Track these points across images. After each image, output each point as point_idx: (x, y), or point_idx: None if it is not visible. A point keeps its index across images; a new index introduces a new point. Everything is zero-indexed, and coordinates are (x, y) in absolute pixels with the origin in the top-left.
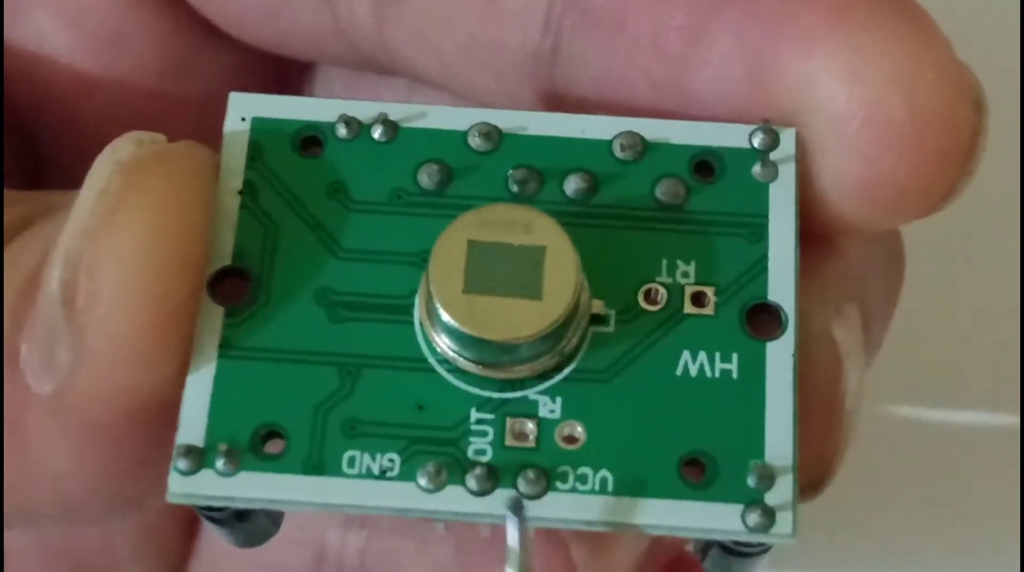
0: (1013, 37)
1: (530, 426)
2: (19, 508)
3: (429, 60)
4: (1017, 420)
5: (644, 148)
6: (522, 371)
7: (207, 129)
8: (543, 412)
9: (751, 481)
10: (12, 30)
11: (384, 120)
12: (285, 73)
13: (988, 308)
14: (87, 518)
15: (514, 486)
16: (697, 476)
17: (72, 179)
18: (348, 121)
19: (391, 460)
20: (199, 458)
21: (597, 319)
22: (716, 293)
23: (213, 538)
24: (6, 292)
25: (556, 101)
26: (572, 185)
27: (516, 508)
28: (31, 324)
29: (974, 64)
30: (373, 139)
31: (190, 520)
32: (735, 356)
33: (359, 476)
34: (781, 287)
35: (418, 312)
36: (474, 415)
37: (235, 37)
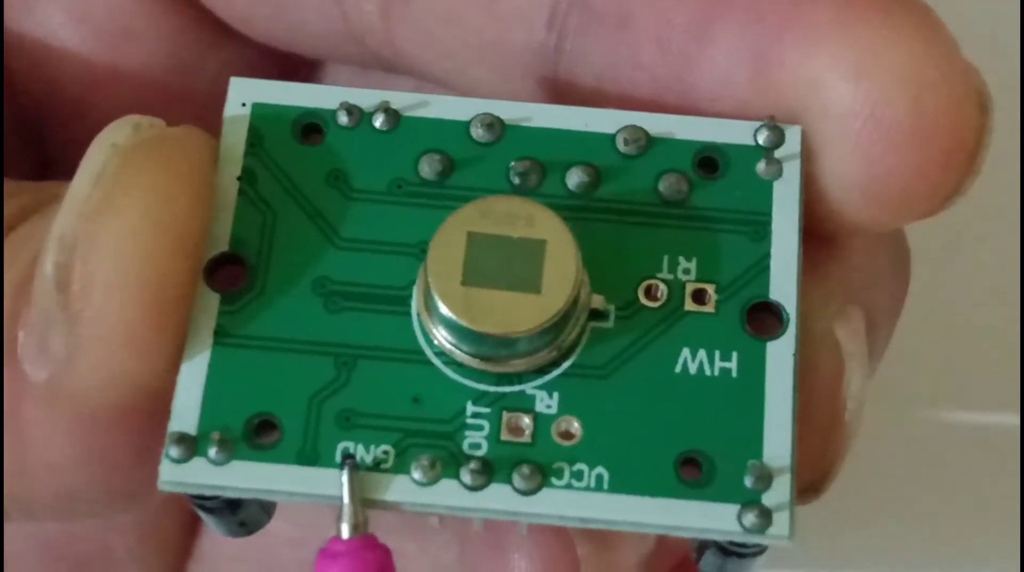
0: (1013, 37)
1: (526, 421)
2: (17, 499)
3: (435, 58)
4: (1017, 420)
5: (648, 143)
6: (519, 365)
7: (214, 126)
8: (540, 407)
9: (748, 481)
10: (22, 25)
11: (386, 109)
12: (293, 71)
13: (988, 308)
14: (85, 510)
15: (509, 481)
16: (694, 475)
17: None
18: (349, 109)
19: (385, 452)
20: (192, 446)
21: (596, 314)
22: (717, 291)
23: (213, 538)
24: (6, 282)
25: (560, 98)
26: (574, 178)
27: (346, 462)
28: (27, 310)
29: (974, 64)
30: (374, 127)
31: (189, 520)
32: (735, 355)
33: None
34: (783, 286)
35: (415, 303)
36: (470, 408)
37: (243, 34)
